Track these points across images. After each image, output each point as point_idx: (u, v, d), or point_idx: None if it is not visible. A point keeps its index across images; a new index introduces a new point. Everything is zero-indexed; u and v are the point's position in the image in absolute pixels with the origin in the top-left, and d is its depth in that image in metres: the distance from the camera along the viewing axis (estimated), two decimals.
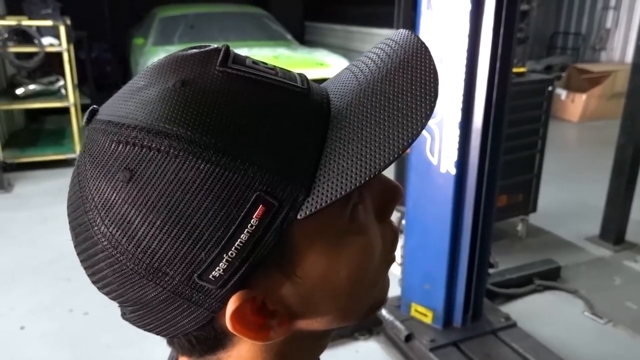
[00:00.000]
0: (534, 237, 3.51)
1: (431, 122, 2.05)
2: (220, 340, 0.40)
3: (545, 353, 2.26)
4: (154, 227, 0.34)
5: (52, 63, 4.96)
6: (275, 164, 0.34)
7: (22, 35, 4.66)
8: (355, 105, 0.37)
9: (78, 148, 4.84)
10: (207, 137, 0.34)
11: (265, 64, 0.40)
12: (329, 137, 0.36)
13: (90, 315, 2.69)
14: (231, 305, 0.36)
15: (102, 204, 0.35)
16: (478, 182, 2.09)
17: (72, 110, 4.82)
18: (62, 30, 4.66)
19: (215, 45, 0.39)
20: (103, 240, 0.35)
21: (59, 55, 4.72)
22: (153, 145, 0.34)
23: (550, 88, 3.25)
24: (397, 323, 2.37)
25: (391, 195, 0.44)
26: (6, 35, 4.53)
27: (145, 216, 0.34)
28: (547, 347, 2.30)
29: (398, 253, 2.39)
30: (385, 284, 0.46)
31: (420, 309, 2.36)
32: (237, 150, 0.34)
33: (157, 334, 0.40)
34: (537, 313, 2.74)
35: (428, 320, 2.35)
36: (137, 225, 0.34)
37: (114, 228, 0.35)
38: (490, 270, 2.70)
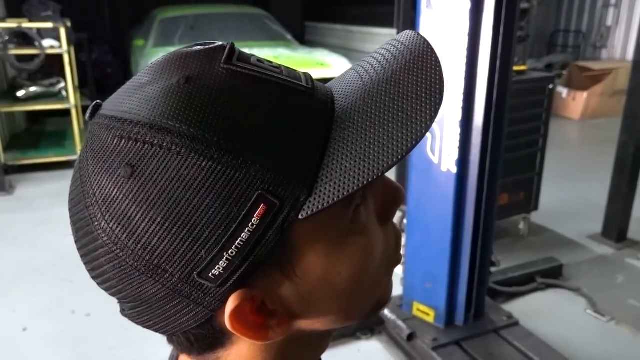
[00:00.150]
0: (535, 235, 3.51)
1: None
2: (219, 338, 0.40)
3: (548, 351, 2.26)
4: (155, 223, 0.34)
5: (52, 65, 4.96)
6: (278, 163, 0.34)
7: (23, 38, 4.66)
8: (360, 106, 0.37)
9: (79, 150, 4.85)
10: (209, 134, 0.34)
11: (271, 62, 0.39)
12: (332, 137, 0.36)
13: (92, 316, 2.69)
14: (230, 304, 0.36)
15: (103, 199, 0.35)
16: (479, 181, 2.09)
17: (73, 112, 4.82)
18: (63, 32, 4.66)
19: (220, 43, 0.39)
20: (103, 235, 0.35)
21: (59, 57, 4.73)
22: (155, 142, 0.33)
23: (551, 86, 3.25)
24: (399, 322, 2.37)
25: (393, 198, 0.44)
26: (7, 38, 4.54)
27: (146, 213, 0.34)
28: (549, 345, 2.30)
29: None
30: (388, 285, 0.45)
31: (422, 308, 2.36)
32: (240, 148, 0.34)
33: (156, 331, 0.40)
34: (539, 311, 2.73)
35: (430, 319, 2.34)
36: (137, 222, 0.34)
37: (114, 224, 0.35)
38: (492, 269, 2.69)
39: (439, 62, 0.37)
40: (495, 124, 2.04)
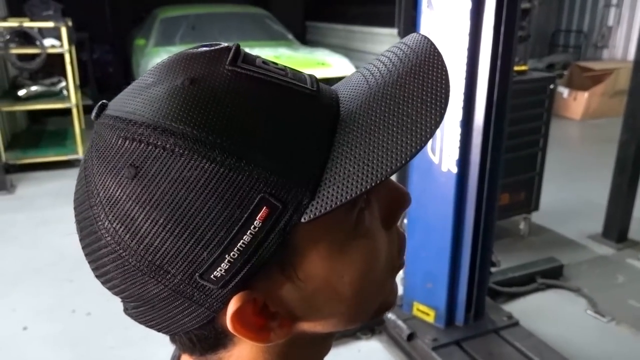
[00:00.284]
0: (536, 235, 3.51)
1: None
2: (221, 339, 0.40)
3: (548, 352, 2.26)
4: (157, 224, 0.34)
5: (54, 64, 4.97)
6: (281, 166, 0.34)
7: (24, 37, 4.67)
8: (365, 109, 0.37)
9: (80, 149, 4.85)
10: (213, 136, 0.34)
11: (276, 64, 0.39)
12: (336, 141, 0.36)
13: (92, 316, 2.70)
14: (232, 305, 0.36)
15: (107, 199, 0.35)
16: (480, 181, 2.09)
17: (74, 111, 4.83)
18: (64, 31, 4.67)
19: (226, 44, 0.39)
20: (106, 235, 0.35)
21: (60, 56, 4.73)
22: (159, 143, 0.33)
23: (551, 86, 3.25)
24: (400, 322, 2.37)
25: (398, 201, 0.44)
26: (8, 37, 4.54)
27: (149, 213, 0.34)
28: (549, 345, 2.30)
29: None
30: (392, 289, 0.45)
31: (423, 307, 2.36)
32: (243, 151, 0.34)
33: (158, 331, 0.40)
34: (539, 312, 2.73)
35: (430, 319, 2.34)
36: (140, 223, 0.34)
37: (117, 224, 0.35)
38: (493, 269, 2.69)
39: (445, 67, 0.37)
40: (496, 124, 2.04)
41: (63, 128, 5.58)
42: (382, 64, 0.40)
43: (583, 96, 6.79)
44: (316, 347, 0.45)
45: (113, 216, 0.35)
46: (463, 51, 1.94)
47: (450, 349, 2.25)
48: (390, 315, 2.43)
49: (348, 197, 0.34)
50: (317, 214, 0.34)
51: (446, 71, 0.37)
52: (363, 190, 0.34)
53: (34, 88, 4.92)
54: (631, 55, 7.23)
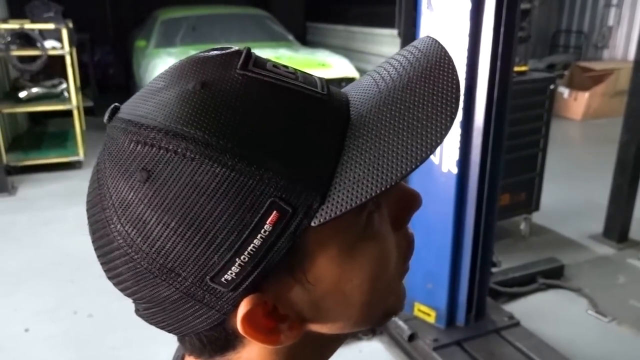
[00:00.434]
0: (537, 235, 3.51)
1: None
2: (230, 341, 0.40)
3: (549, 352, 2.26)
4: (168, 228, 0.34)
5: (54, 66, 4.98)
6: (291, 170, 0.34)
7: (25, 39, 4.67)
8: (375, 113, 0.37)
9: (81, 151, 4.86)
10: (223, 141, 0.34)
11: (286, 67, 0.40)
12: (346, 145, 0.36)
13: (94, 317, 2.70)
14: (242, 308, 0.36)
15: (119, 202, 0.35)
16: (480, 181, 2.09)
17: (75, 112, 4.83)
18: (65, 33, 4.68)
19: (237, 48, 0.39)
20: (119, 238, 0.36)
21: (61, 58, 4.74)
22: (170, 147, 0.34)
23: (552, 86, 3.25)
24: (400, 323, 2.37)
25: (408, 203, 0.44)
26: (9, 39, 4.55)
27: (160, 217, 0.34)
28: (551, 346, 2.30)
29: None
30: (400, 292, 0.45)
31: (423, 308, 2.36)
32: (254, 155, 0.34)
33: (169, 332, 0.41)
34: (540, 312, 2.73)
35: (431, 319, 2.35)
36: (152, 226, 0.35)
37: (129, 227, 0.35)
38: (494, 269, 2.69)
39: (455, 71, 0.37)
40: (496, 124, 2.04)
41: (64, 130, 5.59)
42: (392, 67, 0.40)
43: (583, 96, 6.79)
44: (323, 350, 0.45)
45: (125, 219, 0.35)
46: (463, 52, 1.95)
47: (452, 350, 2.25)
48: None
49: (358, 202, 0.34)
50: (327, 218, 0.35)
51: (456, 75, 0.37)
52: (373, 194, 0.34)
53: (34, 90, 4.93)
54: (631, 55, 7.22)
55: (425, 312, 2.36)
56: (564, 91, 6.89)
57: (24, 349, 2.50)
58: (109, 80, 8.23)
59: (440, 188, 2.13)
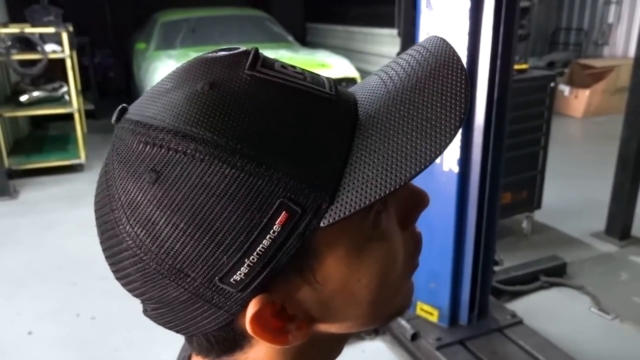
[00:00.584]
0: (539, 233, 3.50)
1: None
2: (238, 341, 0.40)
3: (552, 350, 2.26)
4: (178, 229, 0.34)
5: (55, 69, 4.99)
6: (300, 171, 0.34)
7: (25, 43, 4.68)
8: (383, 114, 0.37)
9: (82, 154, 4.87)
10: (233, 142, 0.34)
11: (294, 67, 0.40)
12: (355, 145, 0.36)
13: (97, 319, 2.70)
14: (251, 308, 0.36)
15: (128, 203, 0.35)
16: (481, 180, 2.09)
17: (76, 116, 4.84)
18: (65, 36, 4.69)
19: (245, 48, 0.39)
20: (127, 239, 0.36)
21: (62, 61, 4.75)
22: (179, 148, 0.34)
23: (552, 84, 3.25)
24: (403, 322, 2.37)
25: (416, 202, 0.44)
26: (9, 43, 4.56)
27: (170, 218, 0.34)
28: (554, 344, 2.29)
29: None
30: (408, 290, 0.45)
31: (426, 307, 2.36)
32: (262, 156, 0.34)
33: (177, 332, 0.41)
34: (543, 310, 2.73)
35: (434, 318, 2.34)
36: (161, 227, 0.35)
37: (138, 228, 0.35)
38: (496, 268, 2.69)
39: (464, 70, 0.37)
40: (497, 123, 2.04)
41: (65, 133, 5.60)
42: (400, 67, 0.40)
43: (584, 94, 6.78)
44: (330, 349, 0.45)
45: (134, 220, 0.35)
46: (463, 51, 1.95)
47: (455, 349, 2.25)
48: None
49: (367, 202, 0.34)
50: (335, 218, 0.35)
51: (465, 75, 0.37)
52: (382, 195, 0.34)
53: (35, 93, 4.94)
54: (632, 52, 7.22)
55: (428, 311, 2.36)
56: (565, 89, 6.89)
57: (27, 352, 2.51)
58: (110, 83, 8.25)
59: (441, 187, 2.13)
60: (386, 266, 0.40)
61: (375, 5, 6.56)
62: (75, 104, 4.84)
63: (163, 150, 0.34)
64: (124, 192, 0.36)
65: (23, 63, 4.80)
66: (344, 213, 0.34)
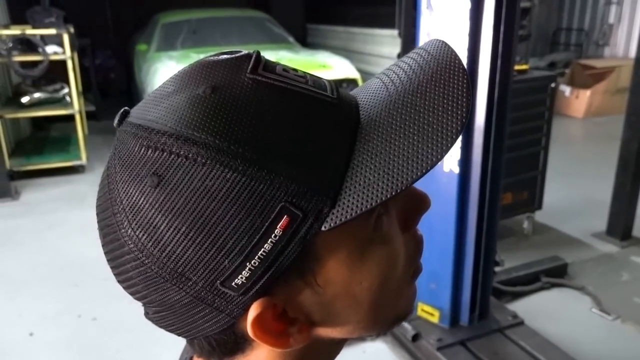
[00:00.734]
0: (540, 234, 3.50)
1: None
2: (240, 344, 0.40)
3: (554, 351, 2.25)
4: (179, 233, 0.34)
5: (56, 71, 4.99)
6: (302, 175, 0.35)
7: (27, 44, 4.69)
8: (385, 117, 0.37)
9: (84, 155, 4.87)
10: (234, 146, 0.34)
11: (296, 70, 0.40)
12: (356, 149, 0.36)
13: (98, 320, 2.71)
14: (252, 311, 0.36)
15: (130, 207, 0.36)
16: (482, 180, 2.09)
17: (77, 117, 4.85)
18: (66, 38, 4.69)
19: (246, 51, 0.39)
20: (129, 242, 0.36)
21: (63, 63, 4.76)
22: (181, 152, 0.34)
23: (553, 85, 3.25)
24: (404, 323, 2.37)
25: (417, 205, 0.44)
26: (10, 45, 4.57)
27: (171, 222, 0.34)
28: (555, 344, 2.29)
29: None
30: (410, 295, 0.45)
31: (427, 308, 2.36)
32: (264, 160, 0.34)
33: (178, 335, 0.41)
34: (544, 310, 2.73)
35: (435, 319, 2.34)
36: (162, 231, 0.35)
37: (140, 232, 0.35)
38: (497, 268, 2.69)
39: (466, 74, 0.37)
40: (497, 123, 2.04)
41: (66, 134, 5.60)
42: (402, 70, 0.40)
43: (585, 94, 6.78)
44: (329, 351, 0.45)
45: (136, 224, 0.35)
46: (463, 51, 1.95)
47: (455, 349, 2.25)
48: None
49: (369, 206, 0.34)
50: (337, 222, 0.35)
51: (467, 78, 0.37)
52: (383, 199, 0.34)
53: (36, 95, 4.94)
54: (632, 52, 7.20)
55: (429, 312, 2.36)
56: (566, 89, 6.88)
57: (29, 353, 2.51)
58: (111, 84, 8.26)
59: (442, 188, 2.13)
60: (388, 268, 0.40)
61: (375, 6, 6.56)
62: (76, 106, 4.85)
63: (165, 154, 0.34)
64: (125, 195, 0.36)
65: (24, 64, 4.81)
66: (346, 217, 0.35)
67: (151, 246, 0.35)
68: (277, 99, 0.36)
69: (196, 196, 0.34)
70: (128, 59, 7.34)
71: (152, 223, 0.35)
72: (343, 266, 0.38)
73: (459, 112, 0.35)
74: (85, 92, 6.39)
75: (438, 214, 2.17)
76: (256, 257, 0.35)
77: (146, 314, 0.42)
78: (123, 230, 0.36)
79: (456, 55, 0.38)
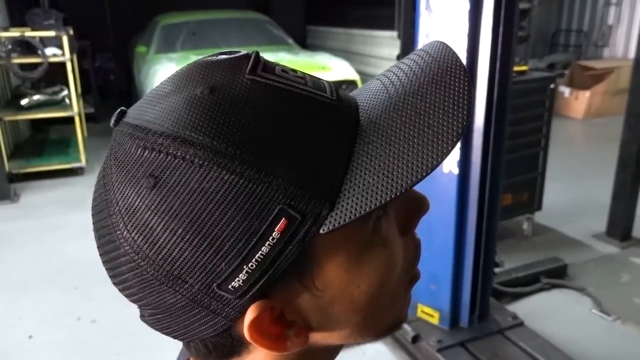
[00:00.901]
0: (539, 235, 3.50)
1: None
2: (236, 347, 0.40)
3: (554, 352, 2.25)
4: (176, 235, 0.34)
5: (55, 73, 4.99)
6: (300, 177, 0.34)
7: (26, 47, 4.69)
8: (385, 119, 0.36)
9: (83, 157, 4.87)
10: (232, 147, 0.34)
11: (295, 71, 0.39)
12: (356, 151, 0.36)
13: (98, 323, 2.70)
14: (249, 314, 0.36)
15: (126, 208, 0.35)
16: (481, 182, 2.09)
17: (77, 119, 4.85)
18: (65, 40, 4.69)
19: (245, 52, 0.39)
20: (125, 244, 0.35)
21: (62, 65, 4.76)
22: (178, 154, 0.34)
23: (552, 86, 3.25)
24: (404, 324, 2.37)
25: (416, 208, 0.43)
26: (10, 47, 4.57)
27: (167, 224, 0.34)
28: (555, 345, 2.29)
29: None
30: (406, 301, 0.45)
31: (427, 309, 2.36)
32: (262, 162, 0.34)
33: (174, 338, 0.40)
34: (544, 311, 2.73)
35: (435, 320, 2.34)
36: (158, 233, 0.34)
37: (136, 234, 0.35)
38: (497, 270, 2.69)
39: (466, 76, 0.37)
40: (496, 124, 2.04)
41: (66, 136, 5.60)
42: (401, 71, 0.39)
43: (584, 95, 6.78)
44: (327, 357, 0.45)
45: (132, 226, 0.35)
46: (462, 53, 1.95)
47: (455, 351, 2.24)
48: None
49: (367, 209, 0.34)
50: (335, 225, 0.34)
51: (468, 80, 0.36)
52: (382, 202, 0.34)
53: (36, 97, 4.95)
54: (632, 53, 7.21)
55: (429, 314, 2.36)
56: (565, 90, 6.89)
57: (29, 356, 2.50)
58: (110, 86, 8.26)
59: (441, 189, 2.13)
60: (386, 272, 0.40)
61: (375, 7, 6.57)
62: (75, 108, 4.85)
63: (162, 155, 0.34)
64: (121, 197, 0.35)
65: (23, 67, 4.81)
66: (344, 220, 0.34)
67: (147, 248, 0.35)
68: (276, 100, 0.36)
69: (193, 198, 0.33)
70: (127, 61, 7.34)
71: (148, 225, 0.34)
72: (341, 269, 0.38)
73: (460, 115, 0.35)
74: (85, 94, 6.40)
75: (438, 215, 2.17)
76: (253, 260, 0.34)
77: (142, 317, 0.41)
78: (119, 232, 0.36)
79: (457, 57, 0.38)
